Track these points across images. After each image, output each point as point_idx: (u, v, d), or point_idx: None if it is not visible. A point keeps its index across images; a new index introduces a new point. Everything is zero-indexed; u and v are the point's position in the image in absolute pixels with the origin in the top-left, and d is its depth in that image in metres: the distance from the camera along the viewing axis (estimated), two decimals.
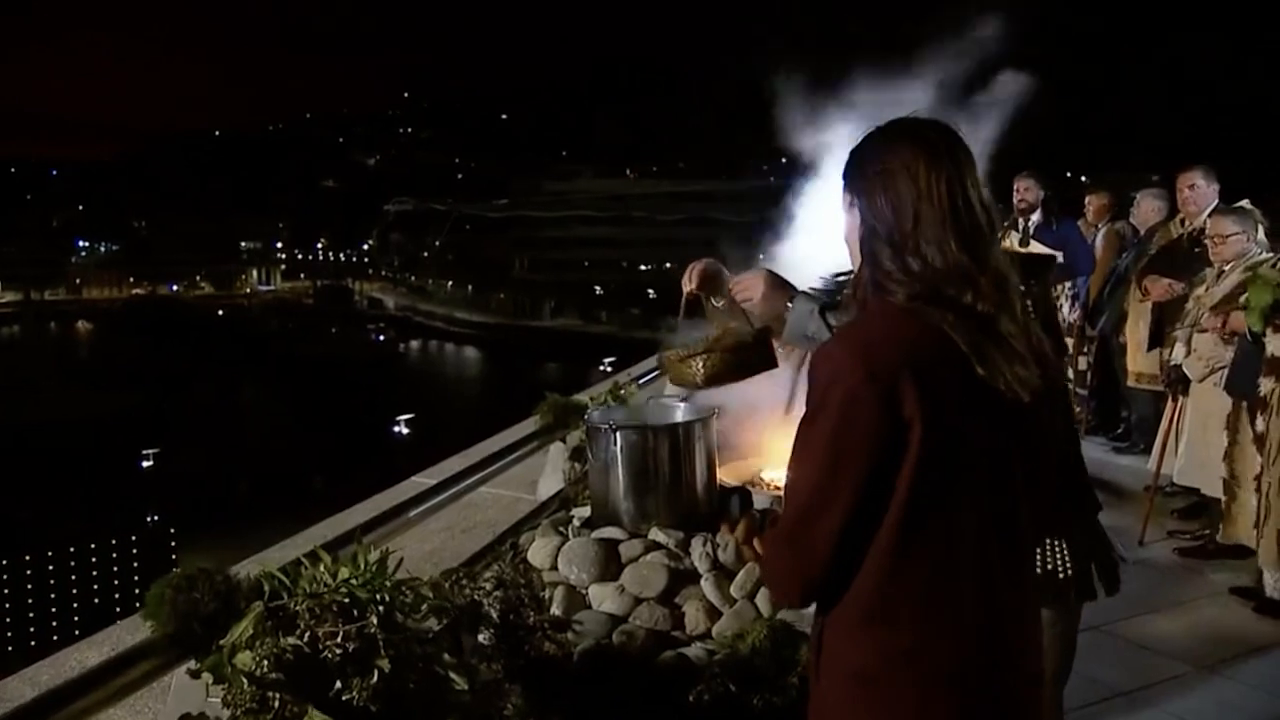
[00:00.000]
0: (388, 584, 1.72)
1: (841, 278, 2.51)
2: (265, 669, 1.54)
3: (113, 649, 1.87)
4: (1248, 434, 4.26)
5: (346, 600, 1.66)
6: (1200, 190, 5.41)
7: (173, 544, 40.22)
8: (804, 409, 1.38)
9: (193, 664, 1.63)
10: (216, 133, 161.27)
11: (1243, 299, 4.22)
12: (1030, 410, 1.38)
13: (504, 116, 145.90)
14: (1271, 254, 4.56)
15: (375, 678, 1.57)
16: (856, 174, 1.47)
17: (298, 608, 1.63)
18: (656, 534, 2.29)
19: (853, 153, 1.49)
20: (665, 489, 2.33)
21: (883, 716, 1.38)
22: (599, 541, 2.30)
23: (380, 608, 1.66)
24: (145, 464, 48.54)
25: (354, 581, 1.71)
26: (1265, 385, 4.11)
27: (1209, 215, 5.04)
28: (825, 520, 1.33)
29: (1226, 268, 4.61)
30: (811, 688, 1.51)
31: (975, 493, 1.36)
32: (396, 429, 56.07)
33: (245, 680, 1.53)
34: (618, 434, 2.33)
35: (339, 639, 1.59)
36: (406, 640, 1.66)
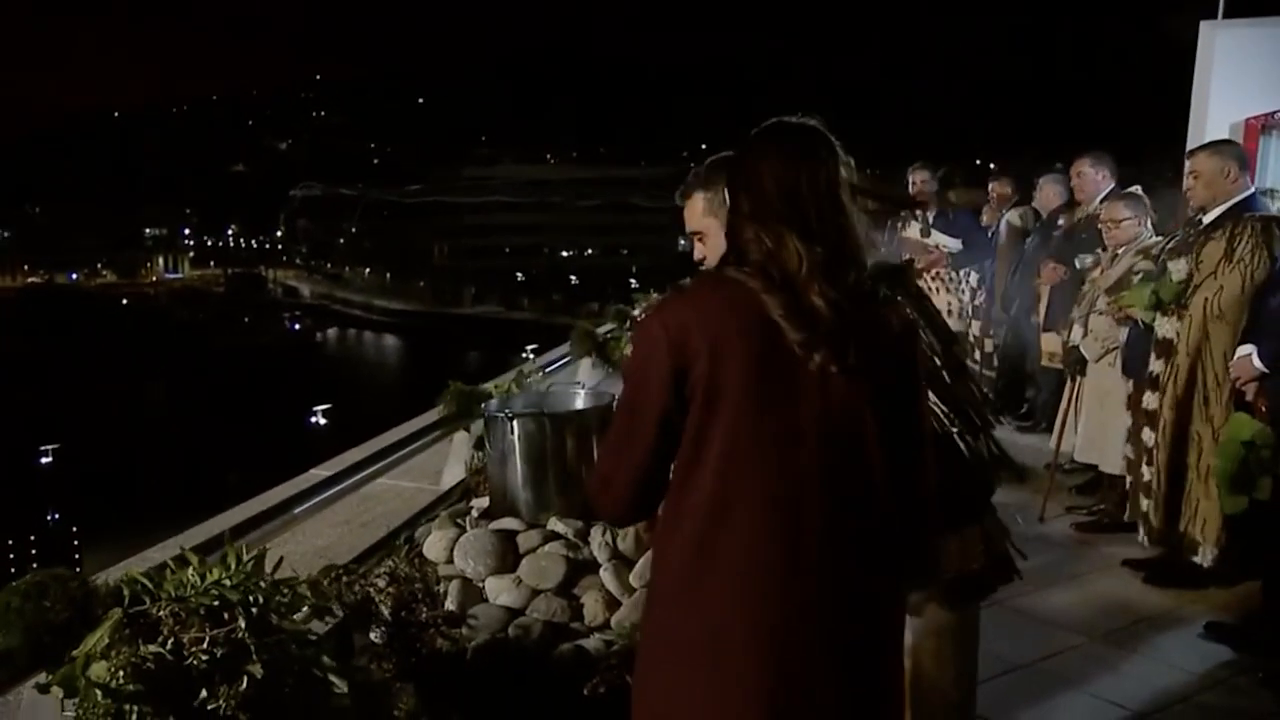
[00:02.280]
0: (262, 585, 1.62)
1: None
2: (122, 680, 1.43)
3: None
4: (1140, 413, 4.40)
5: (216, 604, 1.56)
6: (1088, 177, 5.57)
7: (75, 543, 38.66)
8: None
9: (43, 678, 1.51)
10: (116, 114, 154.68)
11: (1135, 281, 4.35)
12: (844, 385, 1.52)
13: (420, 101, 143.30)
14: (1159, 238, 4.72)
15: (245, 684, 1.48)
16: (732, 170, 1.69)
17: (160, 613, 1.53)
18: (555, 524, 2.24)
19: (734, 153, 1.71)
20: (563, 478, 2.28)
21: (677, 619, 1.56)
22: (496, 533, 2.24)
23: (252, 610, 1.57)
24: (44, 460, 46.54)
25: (225, 583, 1.61)
26: (1155, 366, 4.25)
27: (1102, 200, 5.18)
28: (625, 457, 1.56)
29: (1120, 251, 4.75)
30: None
31: (769, 445, 1.51)
32: (313, 419, 54.85)
33: (99, 693, 1.43)
34: (514, 422, 2.26)
35: (205, 645, 1.49)
36: (282, 644, 1.57)
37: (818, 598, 1.51)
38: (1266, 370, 3.57)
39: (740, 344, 1.50)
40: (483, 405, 2.83)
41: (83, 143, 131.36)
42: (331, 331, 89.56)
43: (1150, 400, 4.31)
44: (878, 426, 1.56)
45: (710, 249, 2.26)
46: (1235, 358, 3.74)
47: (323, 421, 54.56)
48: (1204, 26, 6.18)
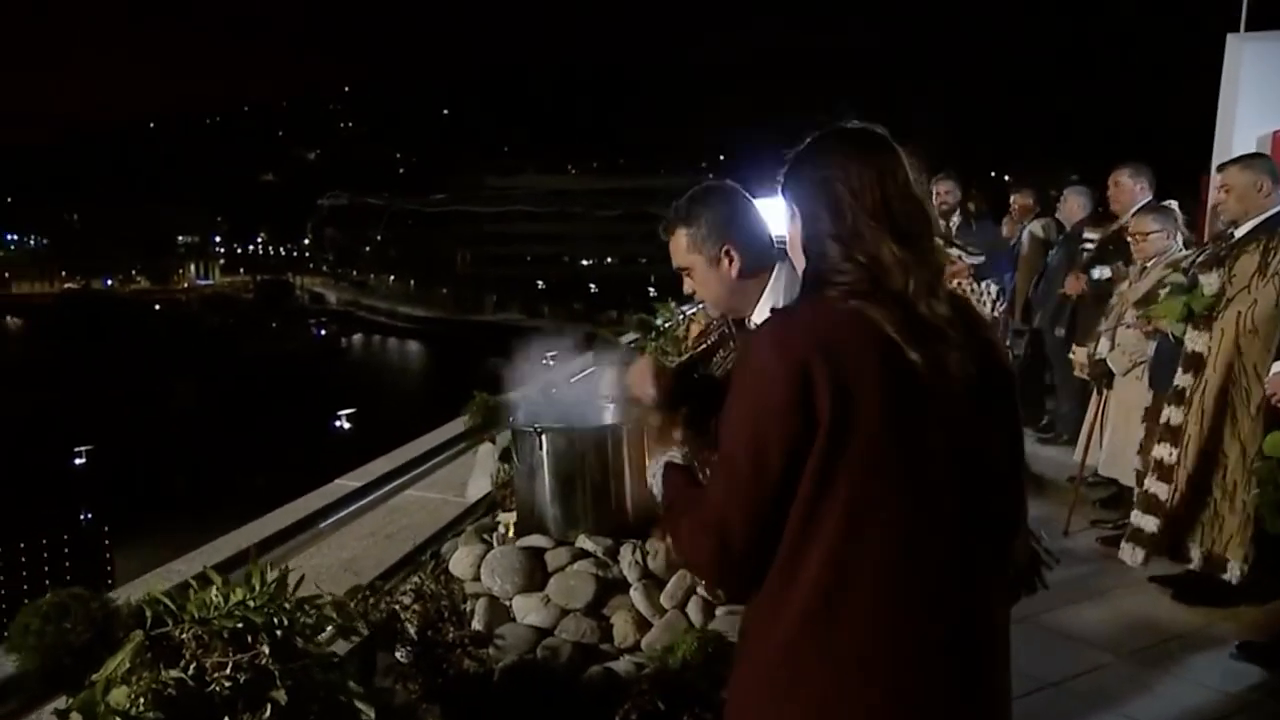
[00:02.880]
0: (286, 605, 1.55)
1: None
2: (143, 706, 1.36)
3: None
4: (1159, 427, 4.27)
5: (239, 626, 1.49)
6: (1124, 187, 5.43)
7: (107, 543, 38.91)
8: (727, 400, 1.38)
9: (62, 702, 1.44)
10: (151, 124, 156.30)
11: (1162, 294, 4.24)
12: (970, 402, 1.36)
13: (445, 112, 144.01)
14: (1188, 251, 4.60)
15: (269, 711, 1.40)
16: (794, 184, 1.51)
17: (183, 636, 1.46)
18: (584, 541, 2.15)
19: (788, 165, 1.53)
20: (593, 494, 2.19)
21: (794, 697, 1.34)
22: (523, 550, 2.16)
23: (276, 633, 1.49)
24: (78, 462, 46.89)
25: (249, 604, 1.54)
26: (1182, 380, 4.12)
27: (1134, 214, 5.06)
28: (746, 501, 1.33)
29: (1149, 264, 4.63)
30: (732, 673, 1.48)
31: (899, 478, 1.33)
32: (338, 424, 55.04)
33: None
34: (544, 437, 2.18)
35: (228, 670, 1.42)
36: (306, 668, 1.49)
37: (951, 679, 1.34)
38: None
39: (862, 371, 1.31)
40: (510, 418, 2.76)
41: (119, 151, 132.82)
42: (356, 337, 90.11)
43: (1174, 415, 4.18)
44: (1000, 444, 1.45)
45: (699, 284, 2.18)
46: (1270, 374, 3.62)
47: (347, 426, 54.77)
48: (1230, 39, 6.05)
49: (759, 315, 2.15)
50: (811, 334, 1.33)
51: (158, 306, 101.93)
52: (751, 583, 1.37)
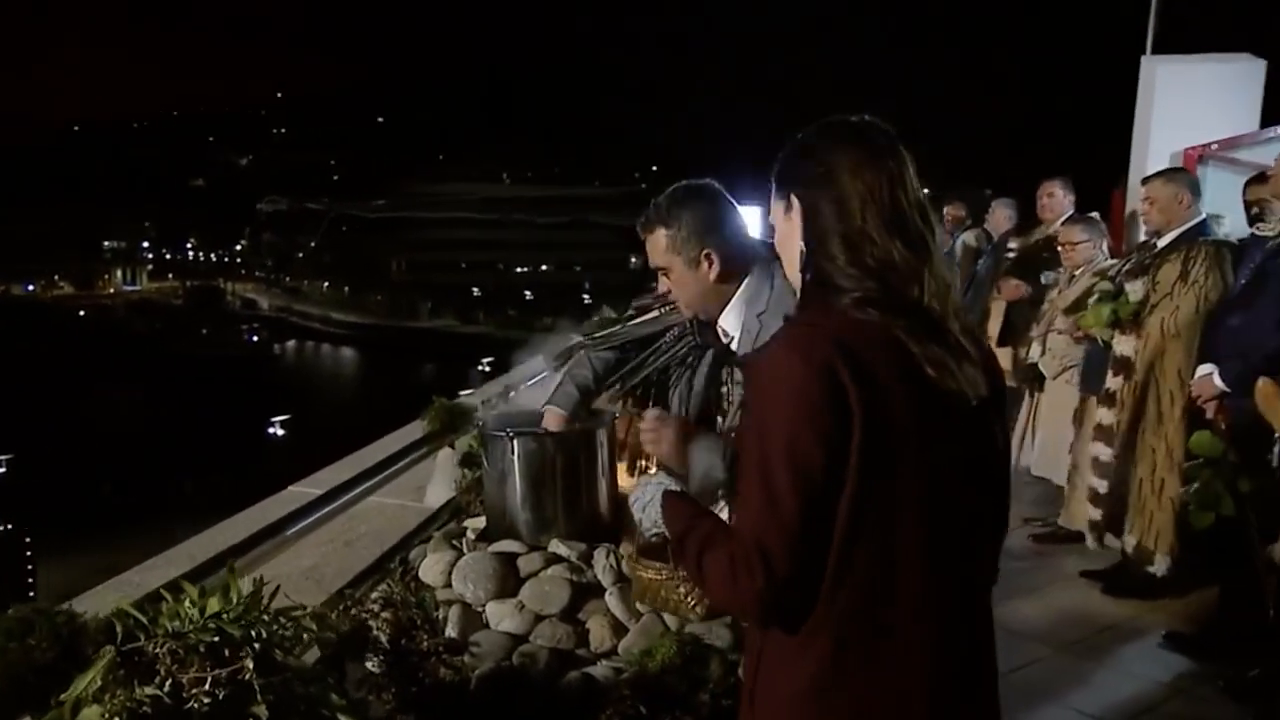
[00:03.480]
0: (264, 617, 1.47)
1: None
2: None
3: None
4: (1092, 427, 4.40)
5: (216, 639, 1.41)
6: (1057, 199, 5.62)
7: (28, 553, 37.22)
8: (744, 419, 1.28)
9: None
10: (75, 128, 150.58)
11: (1091, 302, 4.36)
12: (980, 414, 1.31)
13: (380, 120, 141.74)
14: (1114, 260, 4.74)
15: None
16: (794, 175, 1.38)
17: (157, 650, 1.37)
18: (557, 546, 2.10)
19: (787, 155, 1.40)
20: (565, 498, 2.15)
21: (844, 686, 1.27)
22: (496, 556, 2.10)
23: (255, 645, 1.42)
24: None
25: (225, 616, 1.46)
26: (1112, 383, 4.24)
27: (1062, 224, 5.21)
28: (787, 519, 1.21)
29: (1077, 272, 4.77)
30: (743, 711, 1.39)
31: (921, 493, 1.26)
32: (271, 430, 53.67)
33: None
34: (515, 441, 2.13)
35: (207, 685, 1.34)
36: (287, 681, 1.42)
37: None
38: (1227, 389, 3.57)
39: (887, 384, 1.22)
40: (478, 422, 2.70)
41: (41, 156, 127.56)
42: (290, 344, 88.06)
43: (1105, 416, 4.31)
44: (1002, 451, 1.41)
45: (675, 285, 2.13)
46: (1196, 377, 3.74)
47: (281, 432, 53.42)
48: (1145, 62, 6.27)
49: (729, 317, 2.13)
50: (831, 339, 1.24)
51: (82, 312, 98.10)
52: (798, 608, 1.25)
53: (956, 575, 1.32)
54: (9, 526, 38.37)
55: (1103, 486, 4.33)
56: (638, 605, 1.98)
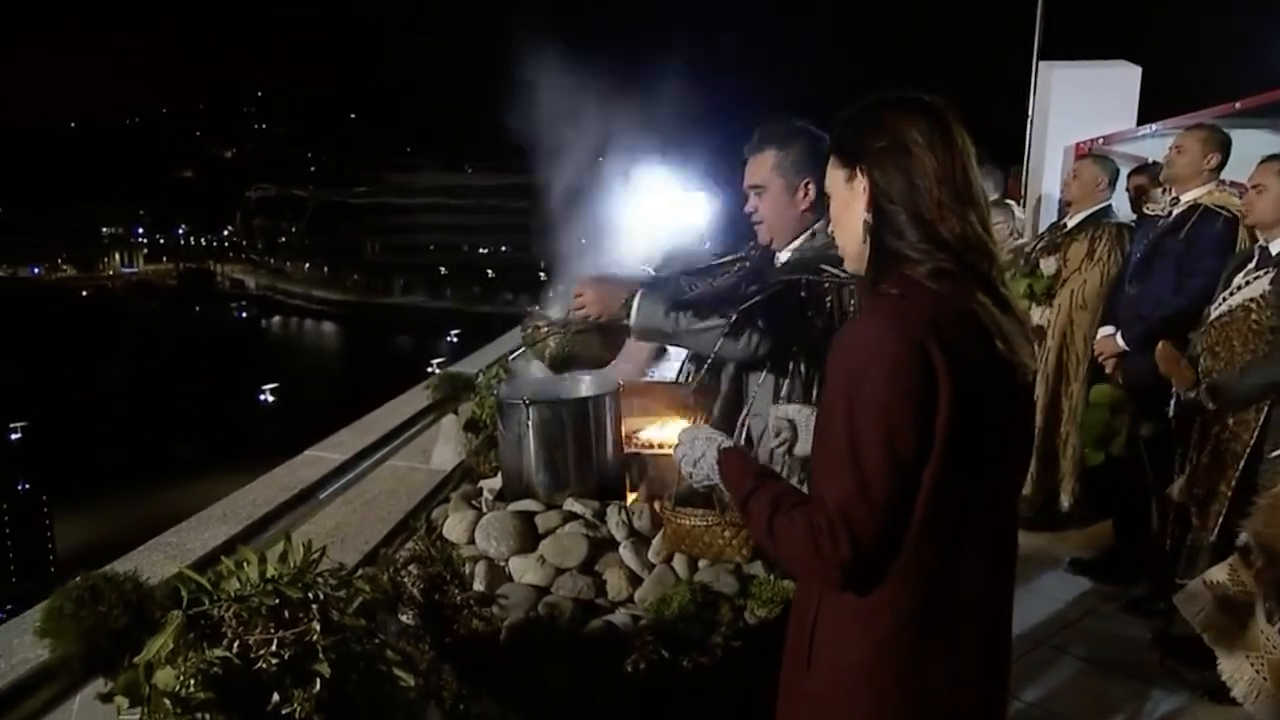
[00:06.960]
0: (319, 579, 1.37)
1: (720, 261, 2.30)
2: (192, 687, 1.17)
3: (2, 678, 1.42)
4: None
5: (276, 602, 1.31)
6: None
7: (45, 510, 35.99)
8: (832, 389, 1.16)
9: (102, 685, 1.23)
10: (72, 124, 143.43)
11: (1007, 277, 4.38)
12: (1031, 389, 1.28)
13: (352, 116, 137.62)
14: (1023, 239, 4.78)
15: (318, 686, 1.24)
16: (860, 147, 1.24)
17: (223, 614, 1.27)
18: (572, 504, 2.03)
19: (850, 125, 1.28)
20: (577, 460, 2.07)
21: (888, 706, 1.20)
22: (516, 514, 2.01)
23: (314, 607, 1.32)
24: (14, 436, 43.19)
25: (282, 579, 1.35)
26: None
27: None
28: (878, 489, 1.12)
29: None
30: (786, 679, 1.31)
31: (987, 465, 1.20)
32: (262, 397, 52.42)
33: (169, 702, 1.17)
34: (531, 408, 2.04)
35: (274, 646, 1.24)
36: (344, 640, 1.32)
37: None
38: (1128, 348, 3.62)
39: (975, 363, 1.14)
40: (491, 390, 2.59)
41: (41, 147, 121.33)
42: (275, 319, 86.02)
43: None
44: (1032, 425, 1.37)
45: (766, 206, 2.02)
46: (1099, 337, 3.79)
47: (271, 399, 52.16)
48: (1041, 67, 6.32)
49: (788, 253, 2.05)
50: (925, 315, 1.14)
51: (85, 293, 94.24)
52: (876, 578, 1.16)
53: (1006, 539, 1.28)
54: (27, 486, 37.06)
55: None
56: (650, 557, 1.92)
